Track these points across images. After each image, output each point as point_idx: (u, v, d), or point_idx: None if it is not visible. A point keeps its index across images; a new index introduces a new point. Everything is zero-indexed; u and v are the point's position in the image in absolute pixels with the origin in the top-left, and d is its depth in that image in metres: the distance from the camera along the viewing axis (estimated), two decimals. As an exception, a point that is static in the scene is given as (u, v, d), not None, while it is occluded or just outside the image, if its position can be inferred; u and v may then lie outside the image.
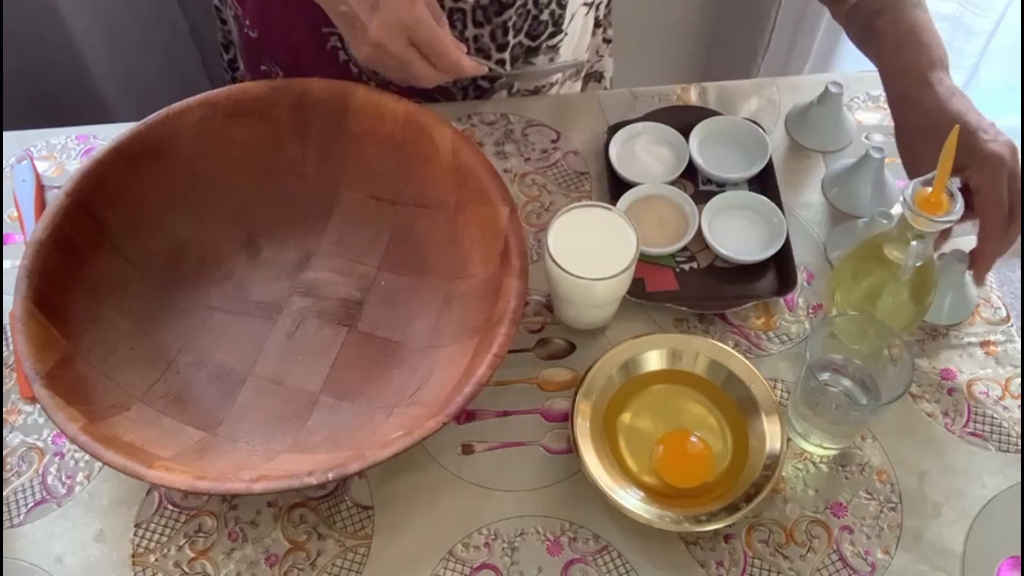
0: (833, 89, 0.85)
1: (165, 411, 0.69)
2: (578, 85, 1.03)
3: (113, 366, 0.69)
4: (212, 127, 0.76)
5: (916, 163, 0.72)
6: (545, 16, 0.86)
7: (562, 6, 0.87)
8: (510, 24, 0.84)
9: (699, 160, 0.84)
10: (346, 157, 0.78)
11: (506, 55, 0.87)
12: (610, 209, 0.71)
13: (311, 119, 0.77)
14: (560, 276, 0.68)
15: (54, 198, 0.70)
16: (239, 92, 0.76)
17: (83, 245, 0.71)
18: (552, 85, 0.95)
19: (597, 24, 1.01)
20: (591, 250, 0.69)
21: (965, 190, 0.67)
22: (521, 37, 0.86)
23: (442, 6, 0.80)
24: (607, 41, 1.05)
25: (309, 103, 0.76)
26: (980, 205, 0.67)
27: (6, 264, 0.81)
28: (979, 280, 0.73)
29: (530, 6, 0.84)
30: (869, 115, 0.90)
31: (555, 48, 0.90)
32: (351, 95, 0.76)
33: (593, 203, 0.71)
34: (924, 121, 0.70)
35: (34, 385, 0.62)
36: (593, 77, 1.07)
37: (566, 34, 0.90)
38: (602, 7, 1.00)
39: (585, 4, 0.92)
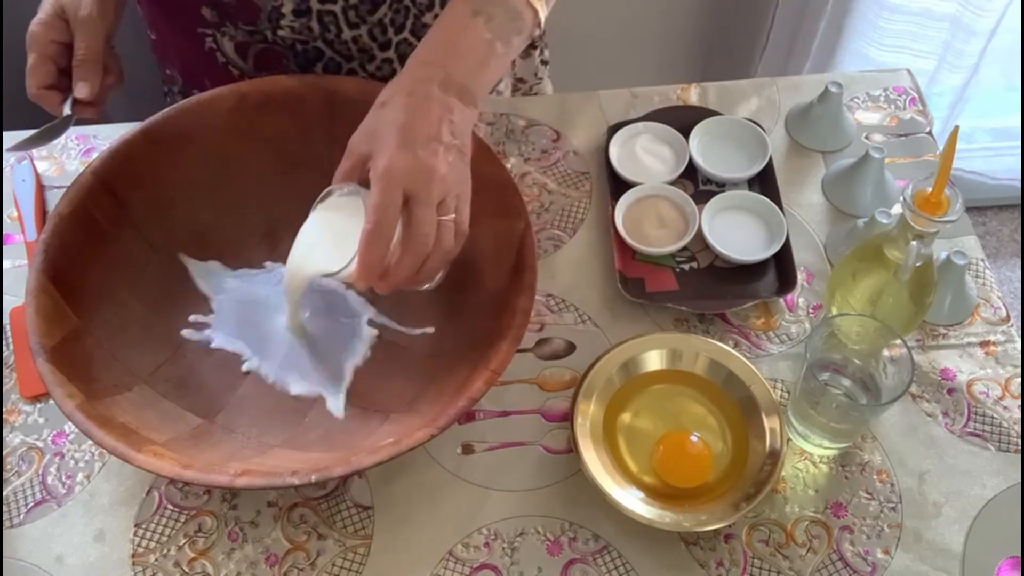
0: (833, 89, 0.85)
1: (167, 394, 0.69)
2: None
3: (121, 345, 0.69)
4: (242, 117, 0.76)
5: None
6: (429, 19, 0.82)
7: None
8: (387, 21, 0.81)
9: (699, 160, 0.84)
10: None
11: (391, 53, 0.84)
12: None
13: (340, 117, 0.77)
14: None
15: (79, 175, 0.71)
16: (271, 84, 0.77)
17: (104, 224, 0.72)
18: None
19: (532, 45, 0.99)
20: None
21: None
22: (405, 35, 0.83)
23: (308, 9, 0.78)
24: (544, 63, 1.03)
25: (340, 101, 0.76)
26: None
27: (6, 264, 0.81)
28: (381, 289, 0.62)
29: (407, 1, 0.80)
30: (869, 115, 0.90)
31: None
32: None
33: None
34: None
35: (37, 359, 0.63)
36: None
37: None
38: None
39: None
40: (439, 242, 0.61)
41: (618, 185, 0.83)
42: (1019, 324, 0.77)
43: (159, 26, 0.89)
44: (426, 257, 0.61)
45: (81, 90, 0.72)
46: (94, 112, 0.75)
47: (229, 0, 0.78)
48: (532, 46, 1.00)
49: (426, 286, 0.66)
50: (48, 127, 0.72)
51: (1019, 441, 0.71)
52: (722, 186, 0.84)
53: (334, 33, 0.81)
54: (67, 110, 0.72)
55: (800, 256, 0.80)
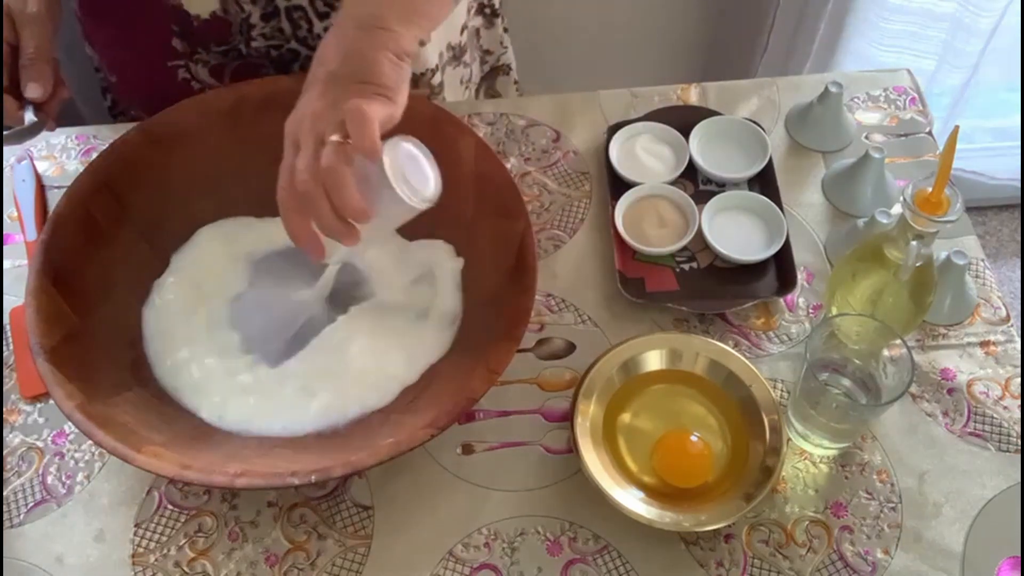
0: (833, 89, 0.85)
1: (166, 394, 0.69)
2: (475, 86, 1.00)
3: (122, 346, 0.69)
4: (242, 117, 0.76)
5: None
6: None
7: None
8: None
9: (699, 160, 0.84)
10: None
11: None
12: None
13: None
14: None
15: (78, 175, 0.71)
16: (271, 84, 0.77)
17: (104, 223, 0.72)
18: None
19: (495, 14, 0.98)
20: None
21: None
22: None
23: (276, 10, 0.77)
24: (506, 30, 1.02)
25: None
26: None
27: (6, 264, 0.81)
28: None
29: None
30: (869, 115, 0.90)
31: None
32: None
33: None
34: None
35: (37, 359, 0.63)
36: (501, 71, 1.05)
37: None
38: None
39: None
40: (328, 167, 0.57)
41: (618, 185, 0.83)
42: (1019, 324, 0.77)
43: (123, 67, 0.87)
44: (323, 191, 0.57)
45: (33, 91, 0.68)
46: (49, 125, 0.71)
47: (199, 24, 0.77)
48: (495, 15, 0.99)
49: (418, 205, 0.61)
50: (18, 130, 0.69)
51: (1019, 441, 0.71)
52: (722, 186, 0.84)
53: (306, 28, 0.80)
54: (32, 116, 0.69)
55: (800, 256, 0.80)
